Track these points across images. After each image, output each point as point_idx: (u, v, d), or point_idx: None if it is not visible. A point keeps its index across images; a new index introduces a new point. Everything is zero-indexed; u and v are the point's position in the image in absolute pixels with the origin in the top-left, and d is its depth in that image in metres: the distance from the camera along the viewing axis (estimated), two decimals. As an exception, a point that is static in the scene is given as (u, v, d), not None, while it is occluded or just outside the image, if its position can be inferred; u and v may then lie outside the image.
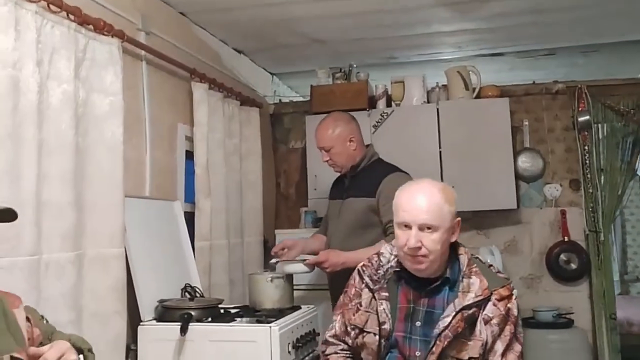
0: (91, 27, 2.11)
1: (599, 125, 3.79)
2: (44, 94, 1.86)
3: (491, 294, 1.63)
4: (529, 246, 3.86)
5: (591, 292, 3.73)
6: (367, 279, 1.75)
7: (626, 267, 5.88)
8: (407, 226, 1.64)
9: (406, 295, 1.69)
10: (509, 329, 1.62)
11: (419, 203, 1.65)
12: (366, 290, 1.75)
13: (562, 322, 3.57)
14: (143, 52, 2.57)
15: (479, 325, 1.61)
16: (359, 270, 1.81)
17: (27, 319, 1.37)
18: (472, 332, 1.61)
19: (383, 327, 1.66)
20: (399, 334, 1.67)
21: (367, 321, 1.70)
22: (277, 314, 2.33)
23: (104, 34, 2.16)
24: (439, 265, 1.67)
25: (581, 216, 3.79)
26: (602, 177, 3.75)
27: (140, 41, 2.52)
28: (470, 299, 1.61)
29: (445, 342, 1.58)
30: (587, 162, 3.78)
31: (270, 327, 2.14)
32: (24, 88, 1.77)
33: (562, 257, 3.77)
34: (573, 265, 3.76)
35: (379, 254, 1.80)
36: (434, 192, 1.66)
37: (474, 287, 1.63)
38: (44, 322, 1.48)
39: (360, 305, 1.74)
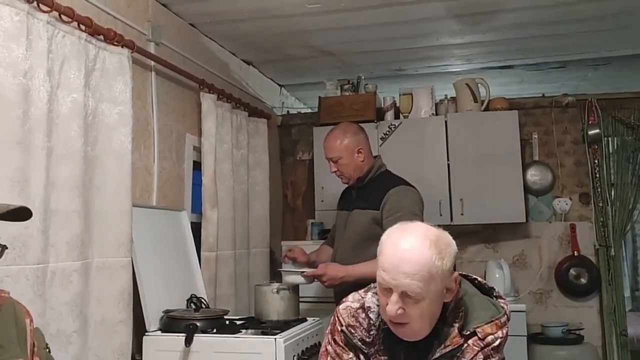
0: (101, 37, 2.13)
1: (609, 138, 3.77)
2: (54, 103, 1.88)
3: (472, 333, 1.39)
4: (538, 260, 3.82)
5: (601, 308, 3.68)
6: (357, 342, 1.48)
7: (637, 283, 5.80)
8: (388, 288, 1.35)
9: (399, 356, 1.45)
10: (479, 356, 1.38)
11: (402, 264, 1.31)
12: (358, 353, 1.48)
13: (572, 337, 3.51)
14: (152, 63, 2.59)
15: None
16: (344, 332, 1.49)
17: (33, 344, 1.36)
18: None
19: None
20: None
21: None
22: (282, 325, 2.32)
23: (114, 44, 2.18)
24: (430, 328, 1.40)
25: (591, 230, 3.76)
26: (613, 192, 3.72)
27: (149, 51, 2.54)
28: (437, 353, 1.39)
29: None
30: (597, 175, 3.75)
31: (275, 339, 2.13)
32: (34, 97, 1.79)
33: (572, 271, 3.72)
34: (583, 280, 3.71)
35: (365, 309, 1.49)
36: (423, 248, 1.32)
37: (450, 336, 1.40)
38: (47, 351, 1.45)
39: None
